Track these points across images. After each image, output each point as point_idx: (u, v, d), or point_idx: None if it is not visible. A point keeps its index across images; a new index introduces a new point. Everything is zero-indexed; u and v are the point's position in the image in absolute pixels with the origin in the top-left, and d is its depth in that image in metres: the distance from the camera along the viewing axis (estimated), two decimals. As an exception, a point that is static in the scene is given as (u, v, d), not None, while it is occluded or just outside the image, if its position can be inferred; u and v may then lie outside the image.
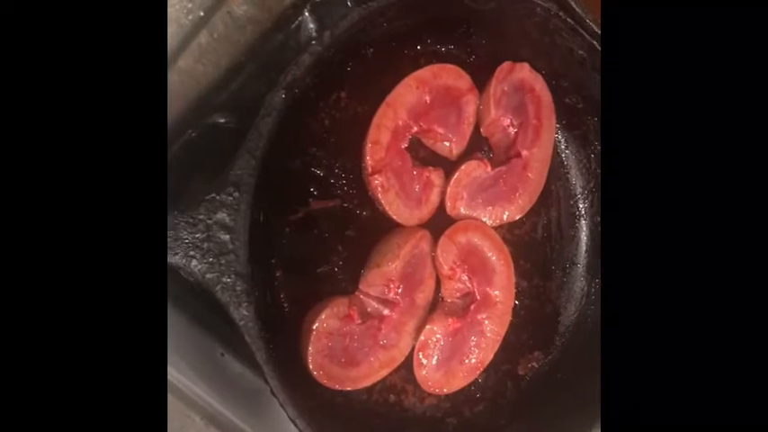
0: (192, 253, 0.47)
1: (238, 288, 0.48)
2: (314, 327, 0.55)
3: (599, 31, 0.59)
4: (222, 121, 0.59)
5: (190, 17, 0.59)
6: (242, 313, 0.48)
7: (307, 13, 0.63)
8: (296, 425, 0.50)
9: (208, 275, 0.47)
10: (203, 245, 0.47)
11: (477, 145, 0.66)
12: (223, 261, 0.47)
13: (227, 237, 0.47)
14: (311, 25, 0.63)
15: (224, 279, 0.47)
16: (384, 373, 0.58)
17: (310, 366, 0.55)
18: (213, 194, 0.47)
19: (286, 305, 0.58)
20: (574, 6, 0.61)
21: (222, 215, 0.47)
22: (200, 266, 0.47)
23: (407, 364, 0.60)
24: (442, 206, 0.63)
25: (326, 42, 0.51)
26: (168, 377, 0.60)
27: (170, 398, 0.60)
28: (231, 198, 0.47)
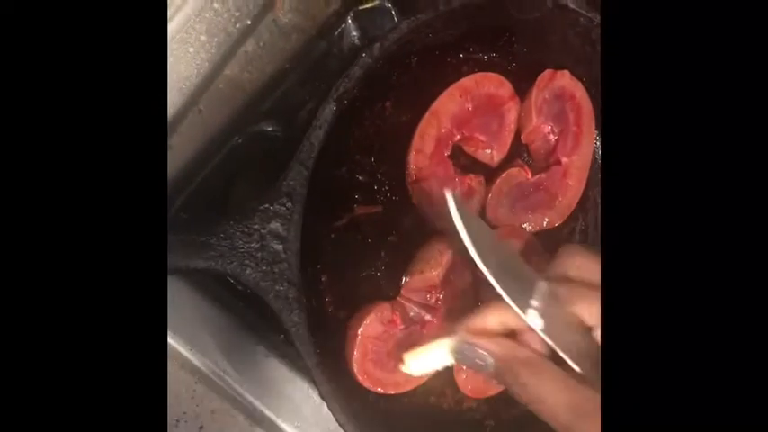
0: (246, 262, 0.48)
1: (290, 295, 0.49)
2: (359, 331, 0.56)
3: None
4: (269, 129, 0.61)
5: (237, 26, 0.60)
6: (293, 320, 0.49)
7: (350, 21, 0.64)
8: (344, 429, 0.51)
9: (262, 283, 0.48)
10: (257, 254, 0.48)
11: (517, 152, 0.66)
12: (276, 270, 0.49)
13: (281, 246, 0.49)
14: (354, 33, 0.64)
15: (277, 287, 0.49)
16: (425, 377, 0.59)
17: (356, 370, 0.56)
18: (267, 205, 0.48)
19: (331, 309, 0.59)
20: (617, 15, 0.61)
21: (276, 225, 0.49)
22: (254, 275, 0.48)
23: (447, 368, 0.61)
24: (482, 213, 0.63)
25: (376, 54, 0.52)
26: (213, 377, 0.62)
27: (215, 397, 0.62)
28: (284, 208, 0.49)
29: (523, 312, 0.44)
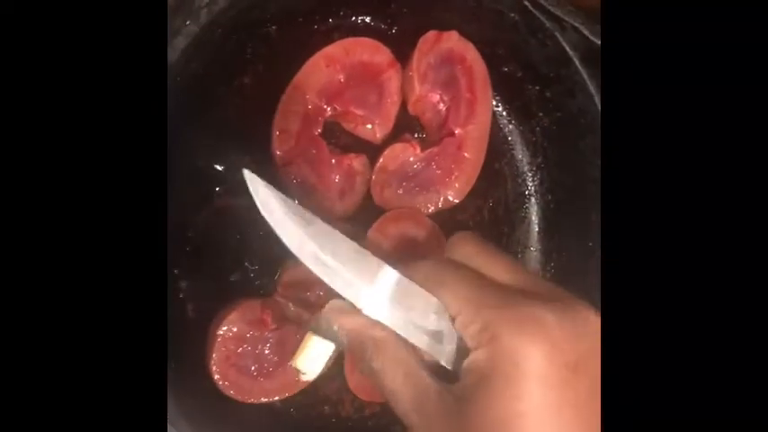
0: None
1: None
2: (219, 333, 0.49)
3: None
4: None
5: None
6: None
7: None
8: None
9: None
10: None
11: (409, 126, 0.60)
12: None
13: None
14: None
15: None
16: (303, 384, 0.52)
17: (215, 377, 0.49)
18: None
19: (193, 319, 0.52)
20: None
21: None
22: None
23: (342, 373, 0.55)
24: (369, 196, 0.57)
25: (204, 21, 0.45)
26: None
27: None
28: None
29: (359, 302, 0.38)
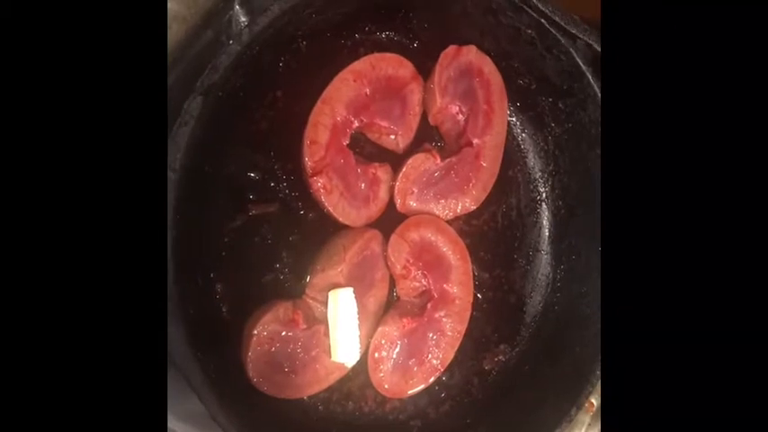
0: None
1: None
2: (254, 332, 0.52)
3: (545, 10, 0.55)
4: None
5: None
6: (171, 334, 0.45)
7: (237, 7, 0.60)
8: (240, 448, 0.47)
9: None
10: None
11: (428, 136, 0.63)
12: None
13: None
14: (242, 19, 0.59)
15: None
16: (332, 380, 0.55)
17: (250, 374, 0.52)
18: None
19: (228, 319, 0.55)
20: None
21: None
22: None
23: (365, 370, 0.58)
24: (392, 203, 0.60)
25: (246, 40, 0.48)
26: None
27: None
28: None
29: None
